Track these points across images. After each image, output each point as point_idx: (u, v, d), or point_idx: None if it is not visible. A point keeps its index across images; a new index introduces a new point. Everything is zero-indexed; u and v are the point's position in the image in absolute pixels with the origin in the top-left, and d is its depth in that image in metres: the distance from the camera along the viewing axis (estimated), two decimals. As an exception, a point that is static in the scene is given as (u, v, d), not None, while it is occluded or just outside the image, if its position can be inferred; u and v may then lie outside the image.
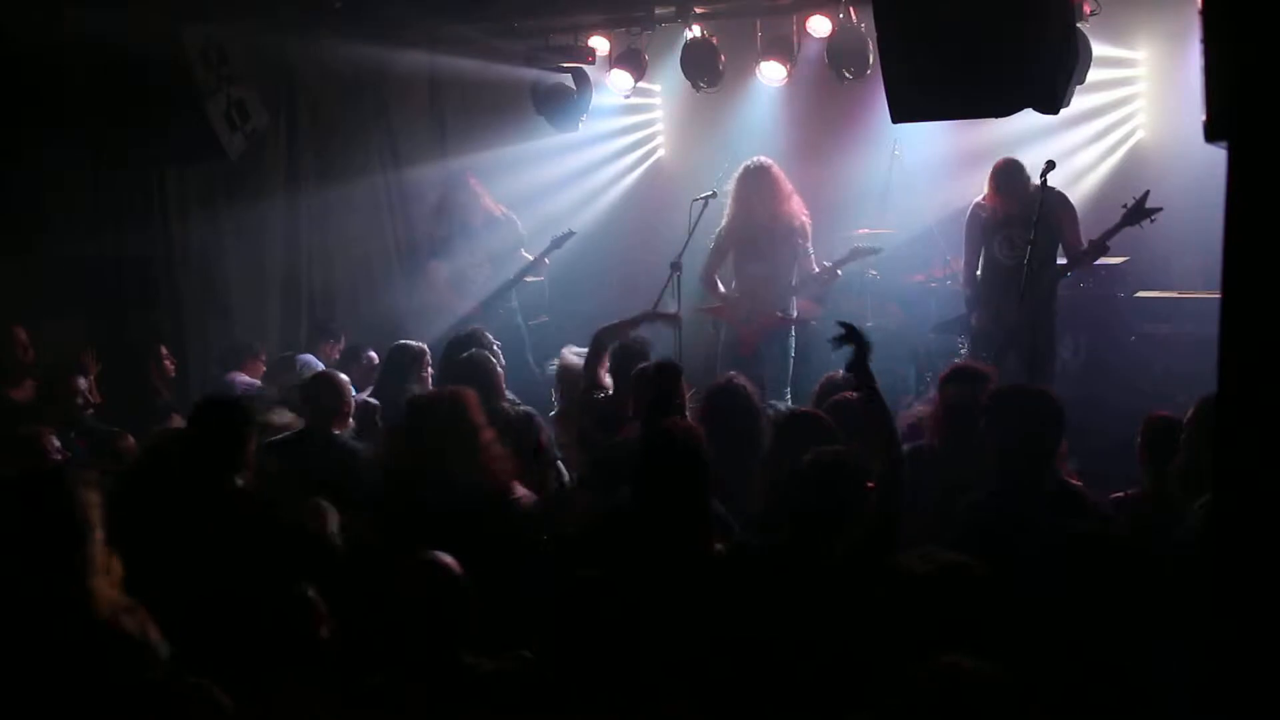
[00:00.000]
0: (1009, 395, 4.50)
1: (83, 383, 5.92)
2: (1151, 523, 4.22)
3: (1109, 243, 6.52)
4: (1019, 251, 6.59)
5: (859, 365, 4.08)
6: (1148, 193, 6.32)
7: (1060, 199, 6.76)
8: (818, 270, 7.37)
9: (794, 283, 7.44)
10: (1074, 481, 4.54)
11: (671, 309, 6.92)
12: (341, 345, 7.71)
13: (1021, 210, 6.67)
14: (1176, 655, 2.96)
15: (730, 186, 7.50)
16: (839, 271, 7.42)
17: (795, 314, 7.51)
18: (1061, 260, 6.87)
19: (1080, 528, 3.64)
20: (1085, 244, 6.61)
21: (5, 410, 6.04)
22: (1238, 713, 2.21)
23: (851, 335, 4.10)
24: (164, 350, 7.03)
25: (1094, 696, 3.07)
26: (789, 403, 6.86)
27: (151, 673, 3.05)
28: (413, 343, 6.35)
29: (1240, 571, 2.22)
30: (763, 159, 7.49)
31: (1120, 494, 4.61)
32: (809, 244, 7.40)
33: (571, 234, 8.24)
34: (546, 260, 8.33)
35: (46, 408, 5.73)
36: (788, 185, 7.44)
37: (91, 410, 5.97)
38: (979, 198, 7.04)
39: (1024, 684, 2.55)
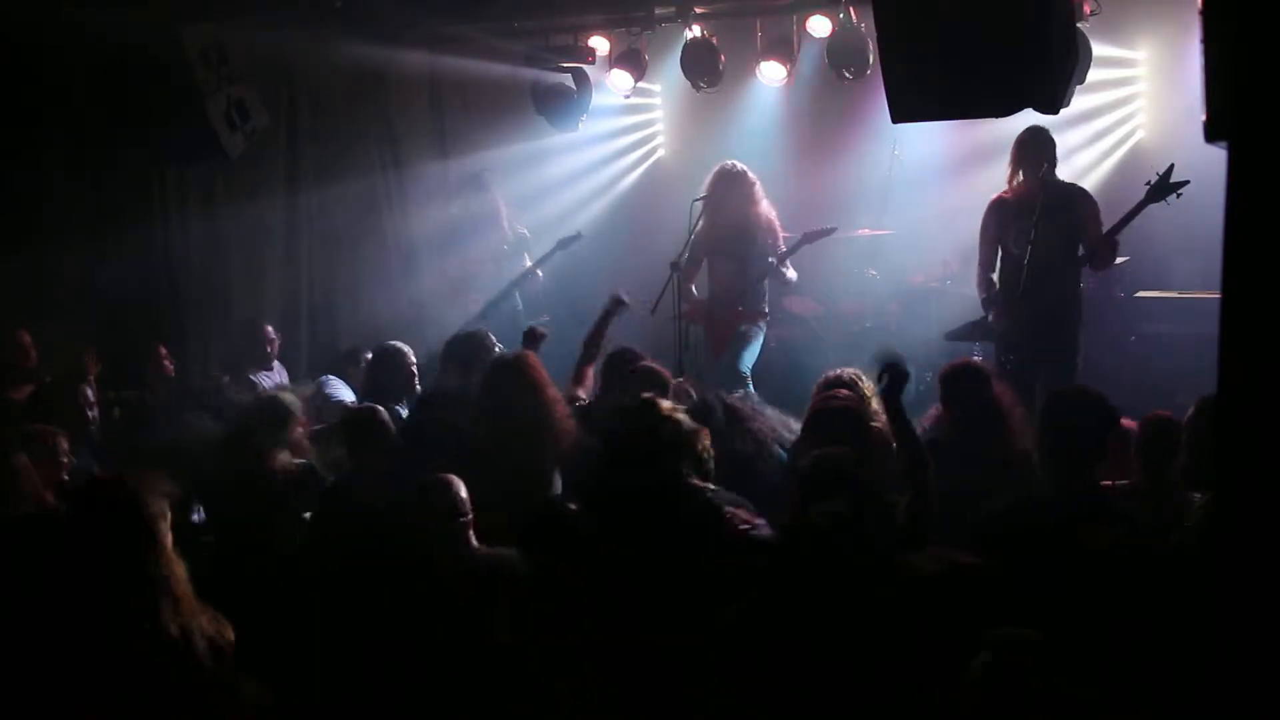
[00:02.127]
0: (1064, 396, 4.48)
1: (90, 393, 5.87)
2: (1150, 522, 4.21)
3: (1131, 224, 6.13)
4: (1037, 246, 6.24)
5: (891, 396, 4.10)
6: (1172, 166, 5.98)
7: (1079, 193, 6.53)
8: (774, 265, 7.39)
9: (763, 282, 7.48)
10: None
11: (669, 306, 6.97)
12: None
13: (1043, 197, 6.31)
14: (1179, 655, 2.96)
15: (703, 189, 7.54)
16: (788, 264, 7.39)
17: (764, 310, 7.54)
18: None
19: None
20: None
21: (7, 412, 6.02)
22: (1240, 713, 2.21)
23: (891, 370, 4.12)
24: (163, 350, 7.02)
25: (1098, 696, 3.07)
26: (752, 391, 6.91)
27: (221, 675, 3.06)
28: (389, 346, 6.37)
29: (1241, 571, 2.22)
30: (737, 163, 7.53)
31: (1107, 483, 4.61)
32: (779, 244, 7.42)
33: (579, 236, 8.25)
34: (539, 272, 8.35)
35: (52, 418, 5.66)
36: (760, 189, 7.47)
37: (95, 419, 5.92)
38: (999, 191, 6.66)
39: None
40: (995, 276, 6.62)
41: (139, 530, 3.13)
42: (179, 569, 3.18)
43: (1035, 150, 6.41)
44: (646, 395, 4.40)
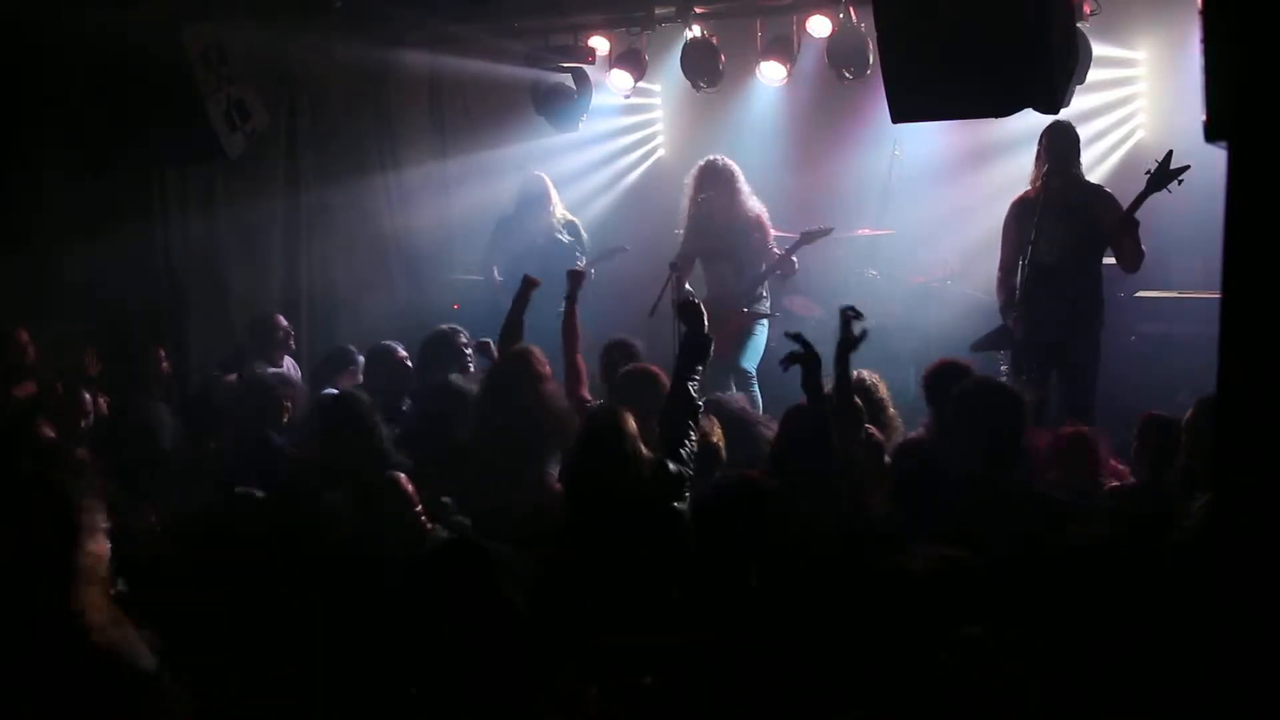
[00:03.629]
0: (973, 391, 4.49)
1: (88, 400, 5.84)
2: (1149, 522, 4.22)
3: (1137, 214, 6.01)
4: (1059, 247, 6.19)
5: (809, 382, 4.10)
6: (1170, 153, 5.88)
7: (1096, 190, 6.43)
8: (777, 261, 7.40)
9: (760, 278, 7.48)
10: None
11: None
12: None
13: (1065, 195, 6.24)
14: (1177, 655, 2.96)
15: (687, 187, 7.53)
16: (794, 258, 7.41)
17: (767, 309, 7.53)
18: (1109, 260, 6.40)
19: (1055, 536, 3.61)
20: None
21: (7, 412, 6.01)
22: (1239, 713, 2.21)
23: (800, 355, 4.12)
24: (160, 352, 7.01)
25: (1094, 695, 3.07)
26: (756, 391, 6.93)
27: (134, 685, 2.97)
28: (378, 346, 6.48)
29: (1241, 572, 2.22)
30: (722, 159, 7.52)
31: (1116, 484, 4.62)
32: (769, 238, 7.43)
33: (624, 249, 8.17)
34: (592, 271, 8.30)
35: (53, 421, 5.60)
36: (745, 185, 7.47)
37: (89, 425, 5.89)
38: (1023, 191, 6.52)
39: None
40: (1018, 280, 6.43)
41: (63, 519, 3.08)
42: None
43: (1046, 145, 6.33)
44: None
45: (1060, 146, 6.31)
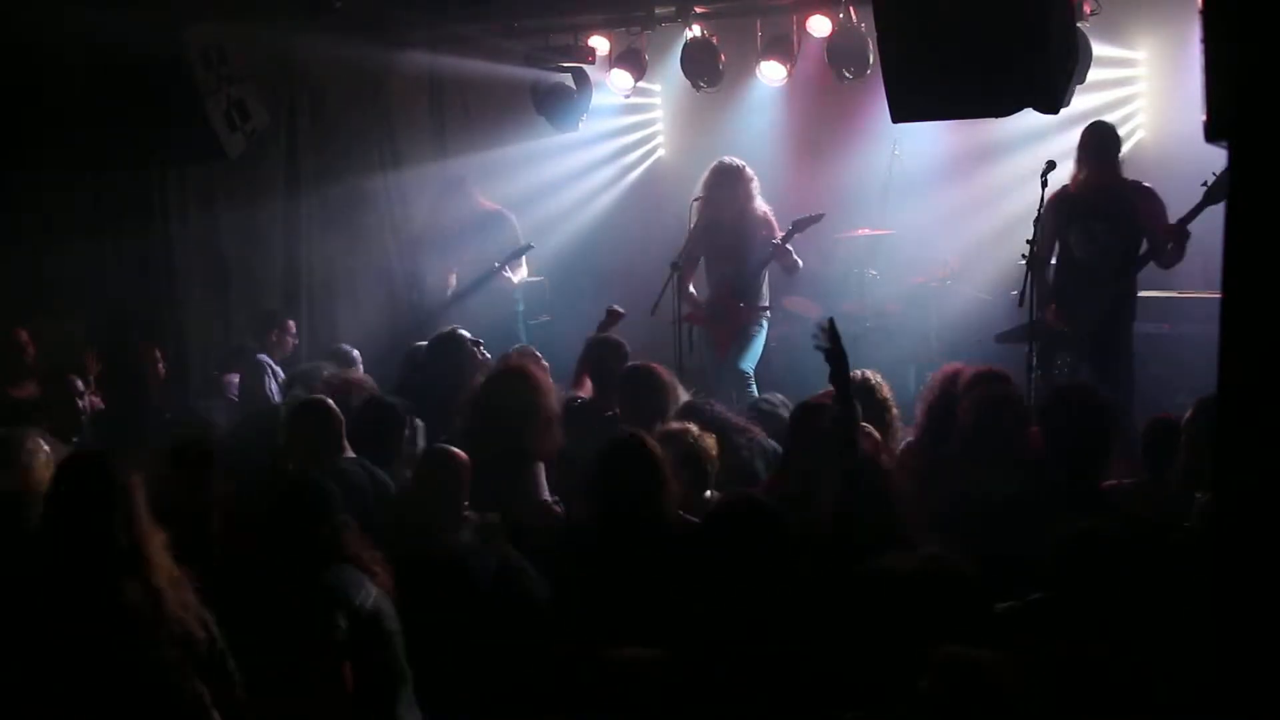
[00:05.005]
0: (1070, 394, 4.48)
1: (80, 385, 5.86)
2: (1151, 521, 4.22)
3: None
4: (1097, 244, 6.24)
5: (838, 376, 4.05)
6: (1228, 168, 5.85)
7: (1140, 188, 6.37)
8: (773, 251, 7.38)
9: (765, 278, 7.50)
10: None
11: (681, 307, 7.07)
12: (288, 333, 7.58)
13: (1105, 194, 6.24)
14: (1176, 654, 2.96)
15: (700, 187, 7.54)
16: (794, 253, 7.39)
17: (766, 306, 7.55)
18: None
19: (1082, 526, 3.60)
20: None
21: (6, 410, 6.02)
22: (1239, 713, 2.21)
23: (832, 348, 4.06)
24: (157, 353, 7.00)
25: (1093, 694, 3.07)
26: (754, 392, 6.94)
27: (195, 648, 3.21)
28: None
29: (1240, 572, 2.22)
30: (734, 160, 7.52)
31: (1113, 482, 4.62)
32: (774, 238, 7.44)
33: (530, 247, 8.25)
34: (506, 271, 8.25)
35: (47, 412, 5.64)
36: (756, 186, 7.47)
37: (87, 412, 5.91)
38: (1058, 187, 6.37)
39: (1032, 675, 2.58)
40: (1049, 275, 6.46)
41: (113, 499, 3.26)
42: (156, 539, 3.30)
43: (1086, 143, 6.32)
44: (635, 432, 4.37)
45: (1101, 144, 6.30)
